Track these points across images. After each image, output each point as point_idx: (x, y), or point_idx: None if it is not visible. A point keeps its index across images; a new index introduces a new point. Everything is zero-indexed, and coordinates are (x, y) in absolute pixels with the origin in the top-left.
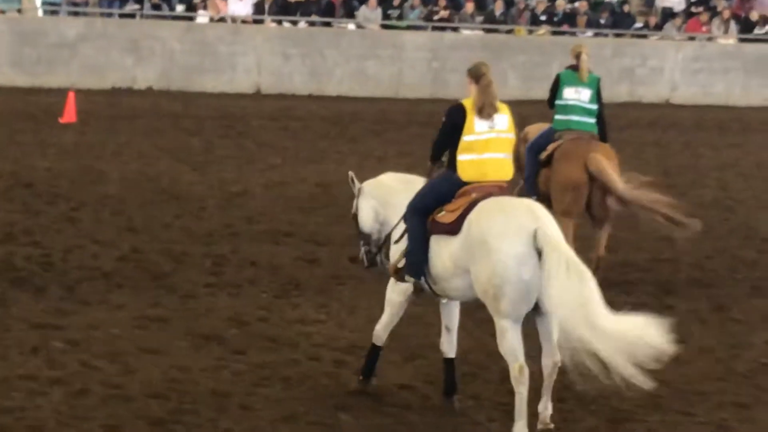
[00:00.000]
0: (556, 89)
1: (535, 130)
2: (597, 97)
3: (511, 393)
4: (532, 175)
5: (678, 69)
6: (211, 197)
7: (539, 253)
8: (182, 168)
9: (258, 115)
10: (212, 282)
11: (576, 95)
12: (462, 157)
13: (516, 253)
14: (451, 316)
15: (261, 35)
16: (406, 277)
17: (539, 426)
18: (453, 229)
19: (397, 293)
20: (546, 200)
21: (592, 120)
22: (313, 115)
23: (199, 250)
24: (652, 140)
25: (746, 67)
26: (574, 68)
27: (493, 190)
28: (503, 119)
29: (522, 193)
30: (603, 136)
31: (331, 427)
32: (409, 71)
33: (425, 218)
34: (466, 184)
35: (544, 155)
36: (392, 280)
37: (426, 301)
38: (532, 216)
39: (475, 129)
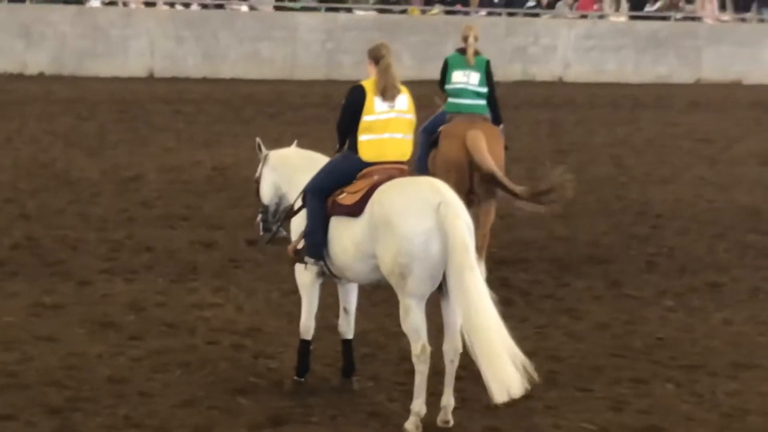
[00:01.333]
0: (445, 73)
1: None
2: (486, 79)
3: (410, 373)
4: (423, 156)
5: (570, 47)
6: (105, 182)
7: (442, 229)
8: (75, 153)
9: (151, 99)
10: (108, 268)
11: (464, 78)
12: (362, 138)
13: (422, 229)
14: (349, 297)
15: (153, 18)
16: (306, 259)
17: (439, 422)
18: (354, 211)
19: (304, 273)
20: None
21: (483, 102)
22: (207, 98)
23: (94, 236)
24: (546, 118)
25: (638, 45)
26: (463, 51)
27: (394, 172)
28: (403, 100)
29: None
30: (496, 118)
31: (231, 412)
32: (303, 52)
33: (325, 199)
34: (366, 164)
35: (433, 137)
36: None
37: (323, 283)
38: (435, 191)
39: (375, 109)
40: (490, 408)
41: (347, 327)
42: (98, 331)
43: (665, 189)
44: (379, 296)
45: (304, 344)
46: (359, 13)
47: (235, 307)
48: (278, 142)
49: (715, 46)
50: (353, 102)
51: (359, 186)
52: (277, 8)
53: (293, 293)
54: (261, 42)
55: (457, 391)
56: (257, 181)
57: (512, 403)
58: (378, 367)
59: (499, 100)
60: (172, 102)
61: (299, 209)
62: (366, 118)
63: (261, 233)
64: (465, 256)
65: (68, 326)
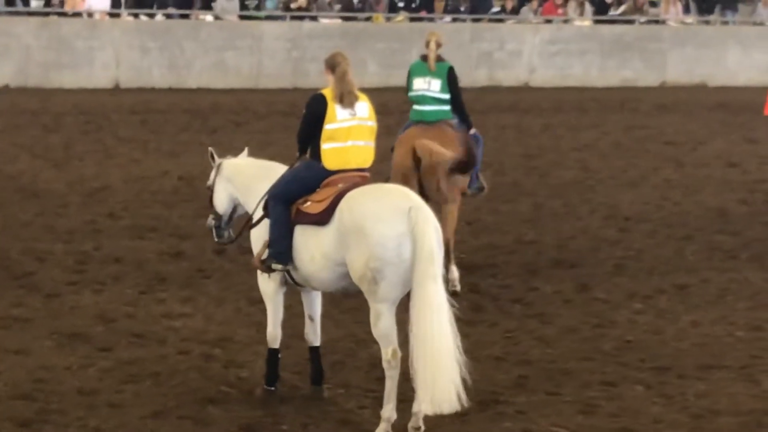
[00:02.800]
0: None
1: None
2: (449, 84)
3: (381, 380)
4: None
5: (536, 52)
6: (72, 194)
7: (412, 234)
8: (42, 165)
9: (117, 110)
10: (76, 280)
11: (425, 85)
12: (326, 146)
13: (395, 234)
14: (314, 305)
15: (118, 29)
16: (274, 266)
17: (411, 428)
18: (321, 219)
19: (267, 282)
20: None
21: (445, 107)
22: (173, 108)
23: (62, 248)
24: (512, 123)
25: (602, 49)
26: (425, 58)
27: (358, 180)
28: (363, 107)
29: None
30: (464, 123)
31: (202, 422)
32: (269, 61)
33: (289, 207)
34: (330, 172)
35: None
36: (260, 271)
37: (291, 291)
38: (405, 196)
39: (337, 117)
40: (460, 413)
41: (314, 335)
42: (67, 343)
43: (632, 192)
44: (349, 304)
45: (273, 353)
46: (324, 21)
47: (204, 316)
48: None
49: (680, 49)
50: (314, 111)
51: (324, 194)
52: (242, 17)
53: (262, 302)
54: (226, 51)
55: None
56: (210, 189)
57: (482, 408)
58: (348, 374)
59: (465, 104)
60: (138, 112)
61: (260, 219)
62: (328, 127)
63: (215, 239)
64: (430, 266)
65: (37, 339)
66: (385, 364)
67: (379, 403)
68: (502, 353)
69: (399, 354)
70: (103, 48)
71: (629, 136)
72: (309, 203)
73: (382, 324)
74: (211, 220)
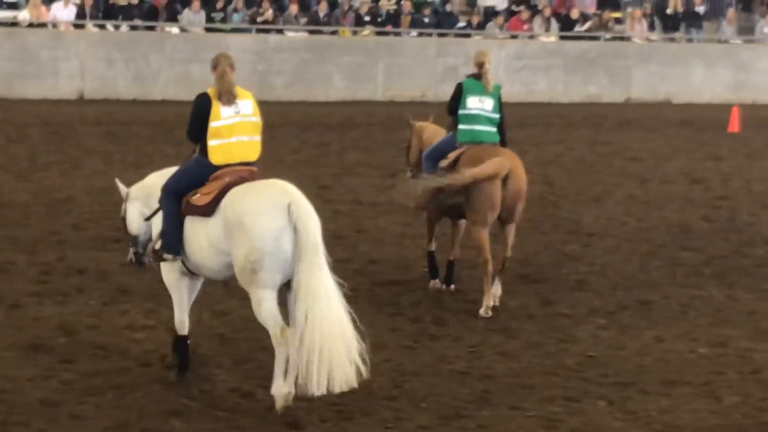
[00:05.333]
0: (458, 97)
1: (429, 130)
2: (499, 105)
3: (344, 395)
4: None
5: (501, 67)
6: (35, 205)
7: (294, 227)
8: (5, 176)
9: (82, 121)
10: (39, 291)
11: (480, 104)
12: (211, 143)
13: (273, 227)
14: (193, 295)
15: (83, 40)
16: (165, 256)
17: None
18: (207, 211)
19: (169, 272)
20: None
21: (494, 129)
22: (138, 120)
23: (25, 259)
24: None
25: (567, 65)
26: (476, 77)
27: (244, 173)
28: (247, 104)
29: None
30: (502, 143)
31: None
32: (235, 74)
33: (179, 200)
34: (216, 167)
35: (445, 163)
36: (162, 264)
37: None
38: (285, 192)
39: (221, 115)
40: (422, 427)
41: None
42: (29, 355)
43: (596, 207)
44: None
45: (182, 340)
46: (290, 34)
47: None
48: None
49: (645, 66)
50: (199, 109)
51: (211, 188)
52: (207, 30)
53: (224, 315)
54: (192, 64)
55: (392, 410)
56: (123, 220)
57: (445, 422)
58: None
59: (506, 125)
60: (102, 124)
61: (155, 212)
62: (213, 124)
63: (137, 266)
64: (315, 256)
65: None
66: (274, 342)
67: (341, 416)
68: (466, 368)
69: (288, 331)
70: (68, 59)
71: (593, 151)
72: (198, 195)
73: (265, 308)
74: (130, 252)
